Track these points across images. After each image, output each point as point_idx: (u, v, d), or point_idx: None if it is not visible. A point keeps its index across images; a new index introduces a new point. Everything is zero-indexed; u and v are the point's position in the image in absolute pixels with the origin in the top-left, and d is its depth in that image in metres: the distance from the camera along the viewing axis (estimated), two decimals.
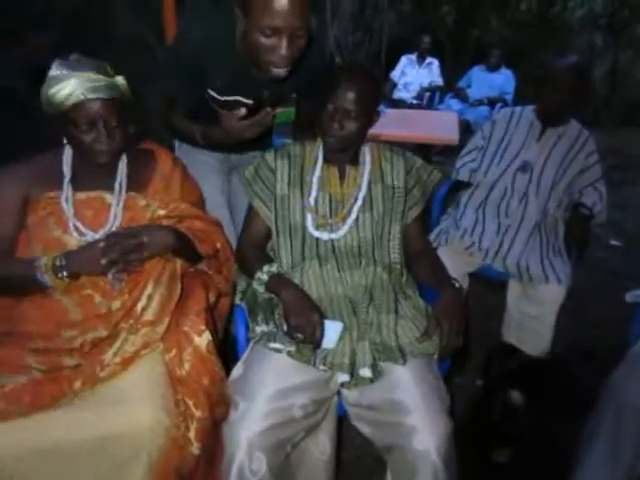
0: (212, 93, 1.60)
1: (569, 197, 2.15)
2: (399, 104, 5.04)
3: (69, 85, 1.23)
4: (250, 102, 1.55)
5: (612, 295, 2.23)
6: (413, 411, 1.23)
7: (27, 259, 1.30)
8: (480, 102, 5.11)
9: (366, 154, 1.57)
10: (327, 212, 1.50)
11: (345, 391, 1.34)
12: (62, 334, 1.29)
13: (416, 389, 1.27)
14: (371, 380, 1.29)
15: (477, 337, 2.26)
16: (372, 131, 3.07)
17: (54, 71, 1.25)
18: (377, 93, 1.49)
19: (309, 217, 1.50)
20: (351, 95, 1.38)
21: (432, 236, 2.22)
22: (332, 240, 1.48)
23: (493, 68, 5.17)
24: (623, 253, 3.42)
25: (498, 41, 6.23)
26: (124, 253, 1.28)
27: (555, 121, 2.13)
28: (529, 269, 2.00)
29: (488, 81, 5.19)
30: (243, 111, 1.47)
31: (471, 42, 7.45)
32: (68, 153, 1.41)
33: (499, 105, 4.98)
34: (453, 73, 5.72)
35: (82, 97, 1.25)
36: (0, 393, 1.16)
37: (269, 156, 1.57)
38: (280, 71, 1.42)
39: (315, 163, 1.55)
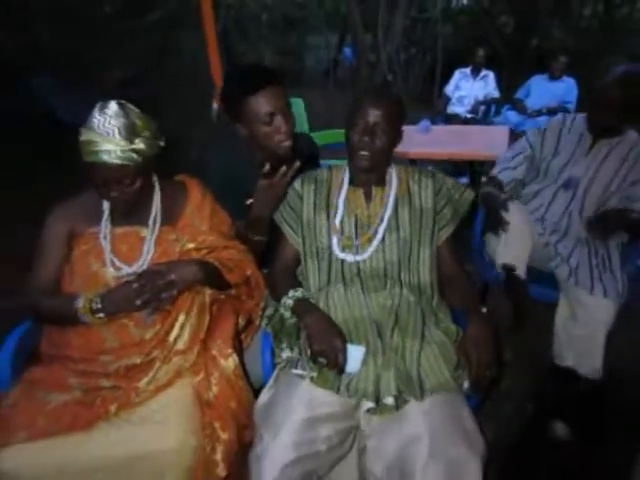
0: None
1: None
2: (453, 119, 4.96)
3: (96, 145, 1.31)
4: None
5: None
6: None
7: (69, 298, 1.39)
8: (539, 113, 4.92)
9: (393, 175, 1.58)
10: (352, 234, 1.51)
11: (365, 428, 1.31)
12: (100, 359, 1.38)
13: (431, 449, 1.18)
14: (396, 408, 1.26)
15: (526, 359, 2.19)
16: (417, 148, 3.11)
17: (94, 119, 1.32)
18: (401, 111, 1.50)
19: (334, 239, 1.51)
20: (379, 111, 1.43)
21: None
22: (357, 262, 1.48)
23: (555, 77, 4.97)
24: None
25: (559, 49, 5.99)
26: (155, 292, 1.35)
27: (606, 133, 1.98)
28: (578, 271, 1.89)
29: (549, 90, 5.00)
30: (266, 167, 1.56)
31: (531, 52, 7.22)
32: None
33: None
34: (512, 84, 5.56)
35: (101, 159, 1.32)
36: (43, 411, 1.27)
37: (297, 183, 1.62)
38: (287, 145, 1.64)
39: (341, 186, 1.57)
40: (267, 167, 1.56)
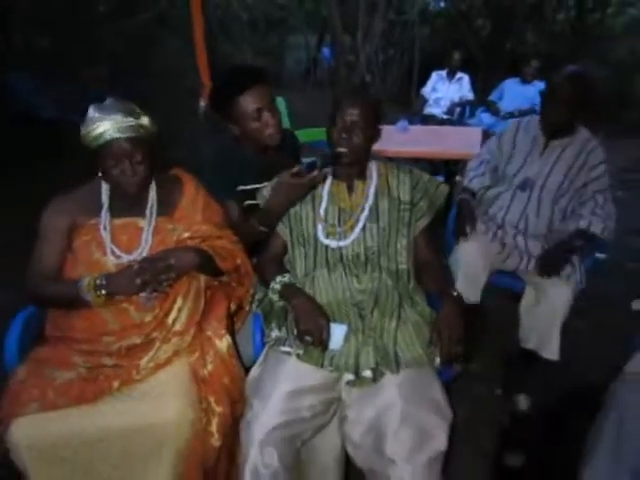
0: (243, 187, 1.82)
1: (575, 207, 2.11)
2: (430, 119, 5.12)
3: (100, 127, 1.41)
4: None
5: None
6: (393, 443, 1.29)
7: (72, 280, 1.49)
8: (511, 115, 5.12)
9: (373, 170, 1.72)
10: (336, 222, 1.65)
11: (345, 399, 1.44)
12: (103, 340, 1.49)
13: (403, 415, 1.31)
14: (373, 380, 1.40)
15: (496, 347, 2.36)
16: (394, 147, 3.26)
17: (91, 113, 1.43)
18: (377, 111, 1.64)
19: (319, 227, 1.65)
20: (356, 110, 1.56)
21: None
22: (340, 248, 1.62)
23: (527, 80, 5.17)
24: None
25: (532, 54, 6.21)
26: (155, 274, 1.45)
27: (558, 133, 2.08)
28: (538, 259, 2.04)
29: (521, 93, 5.18)
30: (297, 167, 1.64)
31: (505, 55, 7.45)
32: (106, 184, 1.59)
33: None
34: (486, 87, 5.75)
35: (109, 137, 1.43)
36: (52, 386, 1.38)
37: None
38: (278, 137, 1.80)
39: (325, 180, 1.70)
40: (297, 168, 1.64)
